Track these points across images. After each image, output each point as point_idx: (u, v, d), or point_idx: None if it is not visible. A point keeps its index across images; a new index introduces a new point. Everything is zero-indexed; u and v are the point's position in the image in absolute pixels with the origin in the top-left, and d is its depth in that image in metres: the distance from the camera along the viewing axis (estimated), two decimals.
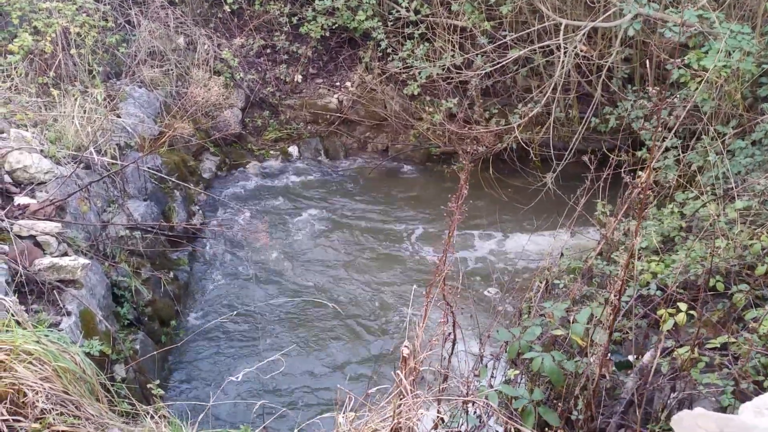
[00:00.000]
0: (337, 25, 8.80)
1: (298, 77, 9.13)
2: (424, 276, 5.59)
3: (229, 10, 8.76)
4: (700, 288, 3.95)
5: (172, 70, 7.91)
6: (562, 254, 4.59)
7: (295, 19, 8.98)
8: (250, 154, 8.49)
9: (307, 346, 5.11)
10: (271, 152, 8.57)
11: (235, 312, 5.34)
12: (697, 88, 5.82)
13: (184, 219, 6.36)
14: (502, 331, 3.51)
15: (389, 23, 8.38)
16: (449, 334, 3.17)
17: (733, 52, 5.35)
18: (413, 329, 2.71)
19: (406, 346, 2.67)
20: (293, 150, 8.69)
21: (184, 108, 7.61)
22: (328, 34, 8.88)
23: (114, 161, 5.57)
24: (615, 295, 3.03)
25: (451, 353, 3.20)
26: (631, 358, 3.88)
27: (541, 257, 4.83)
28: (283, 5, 8.93)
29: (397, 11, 8.19)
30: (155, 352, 4.59)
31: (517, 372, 3.49)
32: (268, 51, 9.12)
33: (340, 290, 5.73)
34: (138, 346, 4.56)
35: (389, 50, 8.42)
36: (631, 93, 6.95)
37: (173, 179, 6.38)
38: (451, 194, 2.80)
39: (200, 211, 6.95)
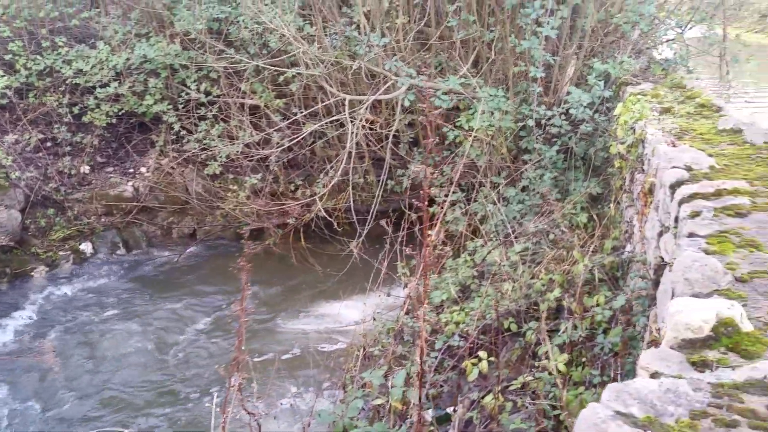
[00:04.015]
0: (123, 111, 8.39)
1: (85, 168, 8.49)
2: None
3: None
4: (497, 331, 4.33)
5: None
6: (374, 318, 4.72)
7: (76, 109, 8.39)
8: (35, 259, 7.60)
9: None
10: (60, 253, 7.75)
11: None
12: (471, 146, 6.51)
13: None
14: (323, 414, 3.46)
15: (180, 105, 8.21)
16: None
17: (494, 112, 6.09)
18: None
19: None
20: (86, 247, 7.96)
21: None
22: (114, 120, 8.43)
23: None
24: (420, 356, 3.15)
25: None
26: (450, 410, 4.06)
27: (357, 323, 4.92)
28: (60, 96, 8.32)
29: (187, 93, 8.07)
30: None
31: None
32: (48, 144, 8.38)
33: (141, 416, 5.03)
34: None
35: (183, 132, 8.21)
36: (417, 155, 7.55)
37: None
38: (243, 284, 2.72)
39: None
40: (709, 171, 2.95)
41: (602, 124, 5.18)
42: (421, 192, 2.45)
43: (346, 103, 5.99)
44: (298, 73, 6.87)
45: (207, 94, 8.07)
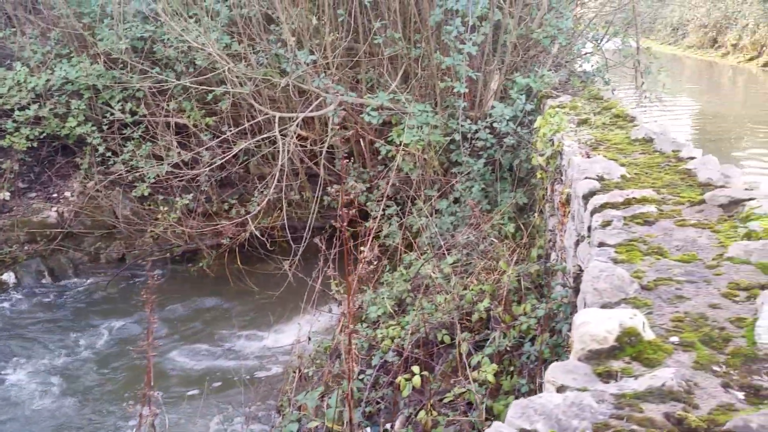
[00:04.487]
0: (45, 134, 8.03)
1: (5, 194, 8.07)
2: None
3: None
4: (432, 344, 4.36)
5: None
6: (309, 338, 4.66)
7: None
8: None
9: None
10: None
11: None
12: (403, 160, 6.58)
13: None
14: None
15: (104, 127, 7.93)
16: None
17: (423, 126, 6.18)
18: None
19: None
20: (8, 277, 7.56)
21: None
22: (36, 144, 8.05)
23: None
24: (348, 378, 3.13)
25: None
26: (388, 426, 4.04)
27: (293, 344, 4.84)
28: None
29: (112, 114, 7.81)
30: None
31: None
32: None
33: None
34: None
35: (109, 154, 7.94)
36: (353, 170, 7.57)
37: None
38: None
39: None
40: (620, 180, 3.07)
41: (525, 137, 5.33)
42: (340, 213, 2.43)
43: (276, 120, 5.93)
44: (227, 92, 6.77)
45: (132, 114, 7.83)
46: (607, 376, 1.65)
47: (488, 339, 4.04)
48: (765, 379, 1.60)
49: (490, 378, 3.34)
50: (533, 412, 1.45)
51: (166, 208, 7.84)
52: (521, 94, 5.47)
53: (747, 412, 1.43)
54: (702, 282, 2.09)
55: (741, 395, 1.55)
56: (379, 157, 6.96)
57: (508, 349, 3.70)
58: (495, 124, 5.41)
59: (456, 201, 6.22)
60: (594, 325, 1.75)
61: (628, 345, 1.72)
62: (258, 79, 6.52)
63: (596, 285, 2.11)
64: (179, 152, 7.58)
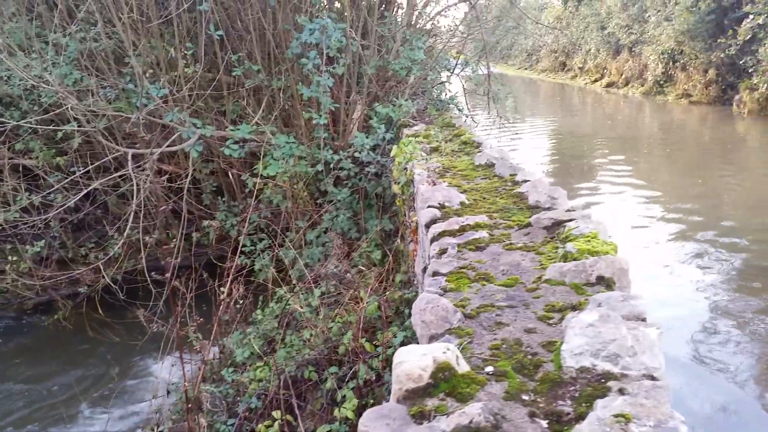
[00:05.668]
0: None
1: None
2: None
3: None
4: (301, 382, 4.23)
5: None
6: (168, 391, 4.37)
7: None
8: None
9: None
10: None
11: None
12: (271, 192, 6.44)
13: None
14: None
15: None
16: None
17: (288, 158, 6.09)
18: None
19: None
20: None
21: None
22: None
23: None
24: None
25: None
26: None
27: (151, 399, 4.52)
28: None
29: None
30: None
31: None
32: None
33: None
34: None
35: None
36: (222, 204, 7.32)
37: None
38: None
39: None
40: (459, 208, 3.15)
41: (388, 165, 5.40)
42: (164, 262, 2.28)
43: (129, 157, 5.60)
44: (76, 129, 6.32)
45: None
46: (420, 417, 1.63)
47: (355, 371, 3.98)
48: (568, 403, 1.64)
49: (350, 415, 3.28)
50: None
51: (15, 258, 7.15)
52: (381, 124, 5.56)
53: None
54: (522, 306, 2.15)
55: (545, 423, 1.57)
56: (247, 190, 6.78)
57: (372, 380, 3.66)
58: (356, 154, 5.44)
59: (327, 231, 6.18)
60: (409, 364, 1.72)
61: (442, 381, 1.71)
62: (106, 115, 6.15)
63: (423, 317, 2.11)
64: (28, 196, 6.96)
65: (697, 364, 5.57)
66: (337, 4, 7.31)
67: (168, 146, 5.76)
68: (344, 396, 3.73)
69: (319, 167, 5.78)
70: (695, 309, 6.53)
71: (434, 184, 3.55)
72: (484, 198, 3.30)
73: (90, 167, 6.77)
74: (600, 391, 1.60)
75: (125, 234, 5.65)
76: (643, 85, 27.22)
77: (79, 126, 6.45)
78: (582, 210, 2.78)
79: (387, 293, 4.41)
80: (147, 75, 6.66)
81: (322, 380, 4.25)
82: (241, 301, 4.97)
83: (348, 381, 3.88)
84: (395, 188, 4.40)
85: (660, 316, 6.32)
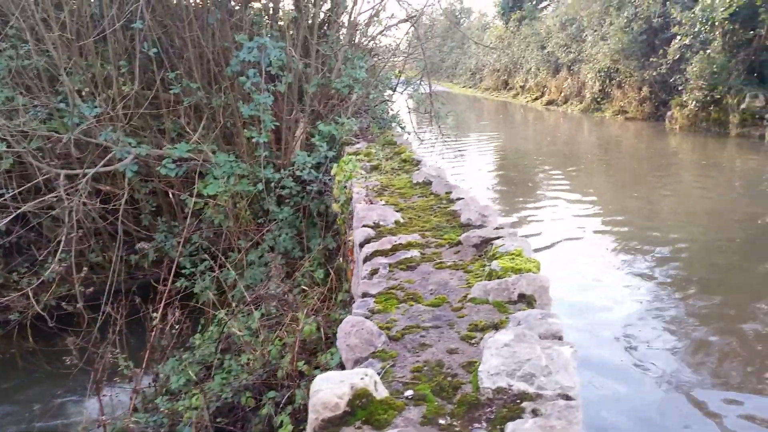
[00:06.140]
0: None
1: None
2: None
3: None
4: (239, 409, 4.11)
5: None
6: (104, 426, 4.16)
7: None
8: None
9: None
10: None
11: None
12: (212, 212, 6.30)
13: None
14: None
15: None
16: None
17: (230, 177, 5.98)
18: None
19: None
20: None
21: None
22: None
23: None
24: None
25: None
26: None
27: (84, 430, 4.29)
28: None
29: None
30: None
31: None
32: None
33: None
34: None
35: None
36: (162, 224, 7.12)
37: None
38: None
39: None
40: (393, 226, 3.13)
41: (329, 184, 5.37)
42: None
43: (61, 179, 5.39)
44: (4, 150, 6.04)
45: None
46: None
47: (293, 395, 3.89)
48: (484, 426, 1.62)
49: None
50: None
51: None
52: (324, 142, 5.52)
53: None
54: (446, 326, 2.14)
55: None
56: (187, 210, 6.61)
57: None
58: (298, 172, 5.39)
59: (272, 249, 6.07)
60: (325, 392, 1.68)
61: (359, 408, 1.67)
62: (37, 135, 5.92)
63: (348, 341, 2.07)
64: None
65: (629, 367, 5.69)
66: (280, 23, 7.28)
67: (103, 166, 5.57)
68: (282, 422, 3.64)
69: (260, 186, 5.70)
70: (627, 314, 6.70)
71: (371, 203, 3.53)
72: (419, 216, 3.29)
73: (21, 189, 6.49)
74: (515, 412, 1.59)
75: (57, 258, 5.41)
76: (581, 102, 28.12)
77: (8, 147, 6.18)
78: (509, 228, 2.80)
79: (329, 313, 4.35)
80: (83, 93, 6.46)
81: (261, 405, 4.14)
82: (177, 326, 4.80)
83: (285, 406, 3.79)
84: (335, 207, 4.36)
85: (592, 321, 6.46)
